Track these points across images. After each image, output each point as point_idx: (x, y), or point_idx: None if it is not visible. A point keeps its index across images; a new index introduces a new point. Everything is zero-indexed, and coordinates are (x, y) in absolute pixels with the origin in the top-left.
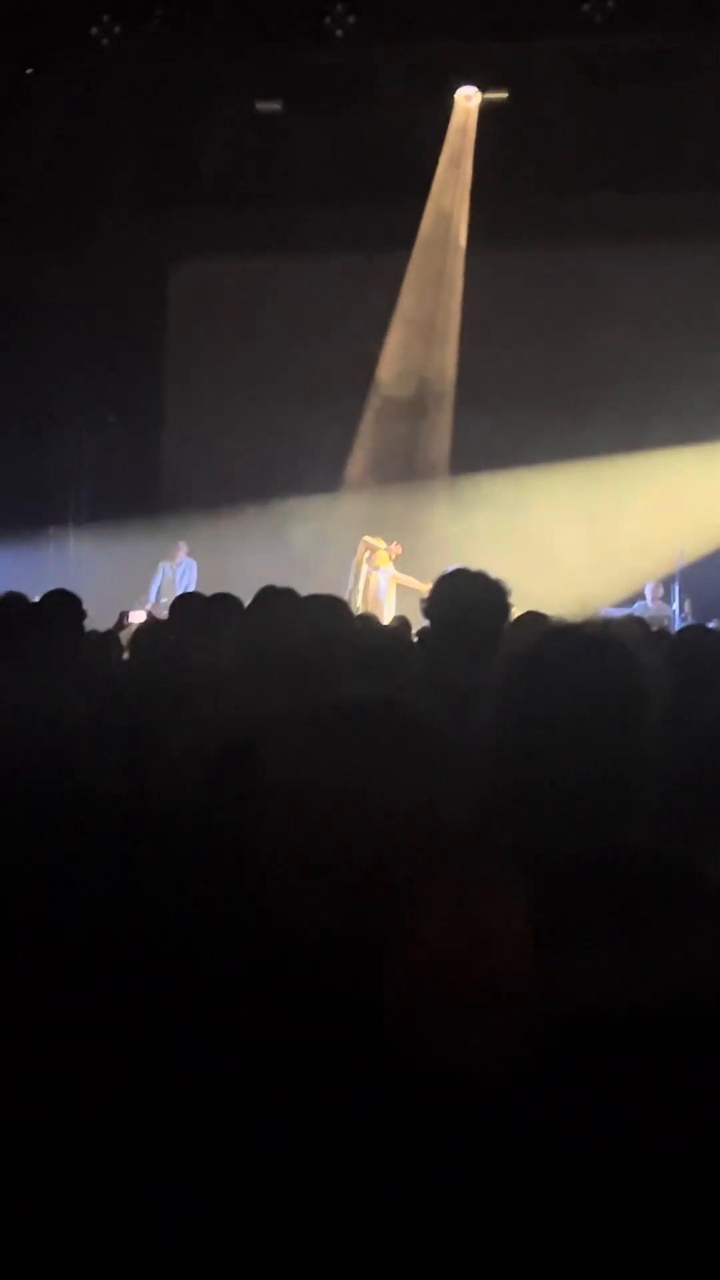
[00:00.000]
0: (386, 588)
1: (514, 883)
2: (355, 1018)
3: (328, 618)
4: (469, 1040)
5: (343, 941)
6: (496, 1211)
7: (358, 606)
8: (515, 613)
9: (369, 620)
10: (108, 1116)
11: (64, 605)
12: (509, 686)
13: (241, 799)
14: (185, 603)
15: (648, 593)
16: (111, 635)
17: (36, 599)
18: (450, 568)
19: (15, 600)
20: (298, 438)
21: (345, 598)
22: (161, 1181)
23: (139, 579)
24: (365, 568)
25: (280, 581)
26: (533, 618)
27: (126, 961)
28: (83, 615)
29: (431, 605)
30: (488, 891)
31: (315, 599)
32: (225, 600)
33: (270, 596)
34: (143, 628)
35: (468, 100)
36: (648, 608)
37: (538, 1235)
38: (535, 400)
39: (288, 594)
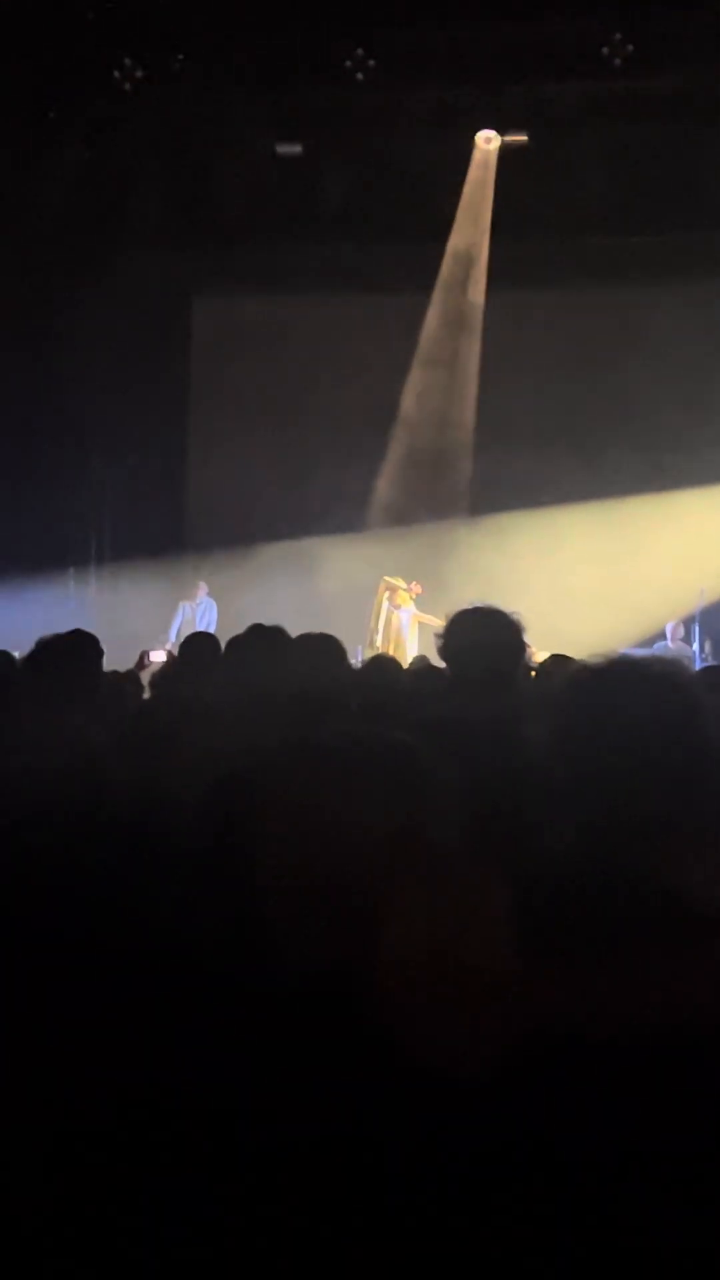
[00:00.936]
0: (408, 626)
1: (499, 896)
2: (345, 1032)
3: (319, 656)
4: (453, 1050)
5: (330, 962)
6: (490, 1212)
7: (379, 646)
8: (533, 651)
9: (383, 661)
10: (107, 1118)
11: (83, 645)
12: (568, 717)
13: (233, 830)
14: (192, 642)
15: (668, 632)
16: (131, 675)
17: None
18: (465, 605)
19: (43, 644)
20: (319, 477)
21: (367, 637)
22: (161, 1182)
23: (160, 619)
24: (386, 606)
25: (301, 621)
26: (558, 661)
27: (135, 976)
28: (100, 654)
29: (446, 644)
30: (472, 908)
31: (308, 638)
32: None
33: (255, 636)
34: (160, 668)
35: (487, 143)
36: (668, 648)
37: (531, 1237)
38: (556, 440)
39: (274, 633)
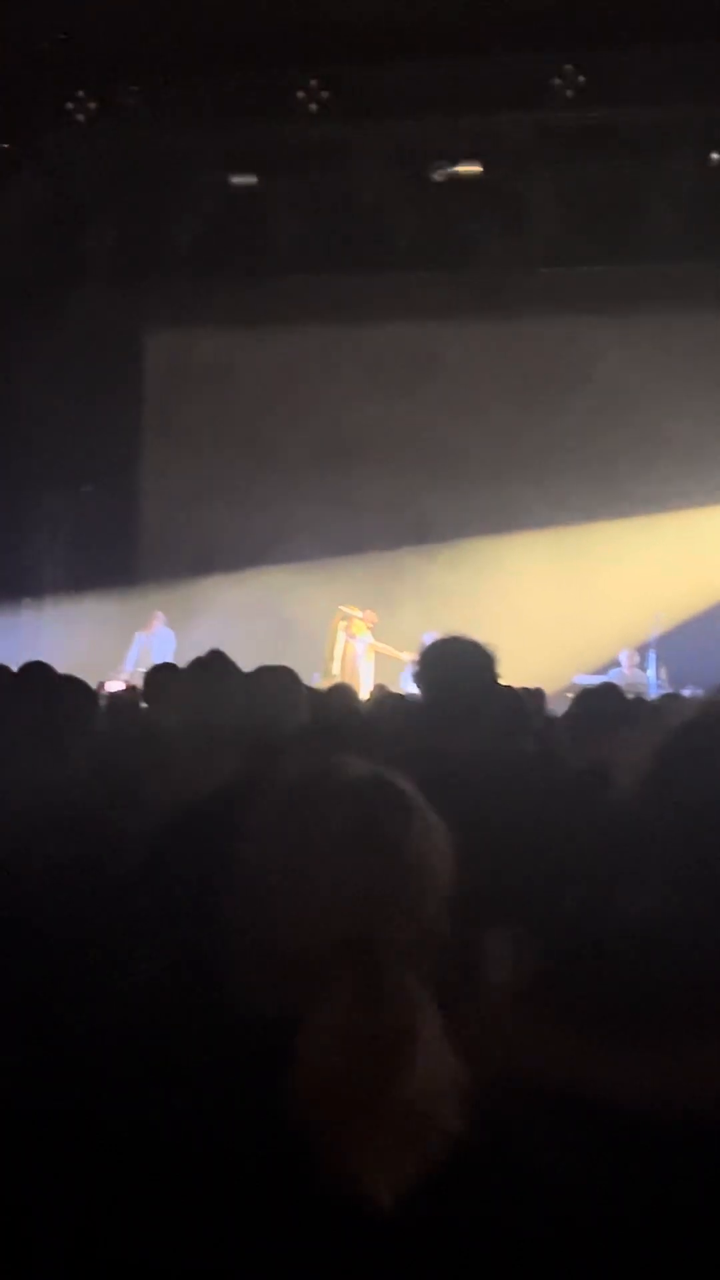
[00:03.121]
0: (364, 655)
1: (435, 1019)
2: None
3: (276, 689)
4: (356, 1155)
5: (276, 1016)
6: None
7: (334, 675)
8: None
9: (342, 691)
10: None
11: (39, 677)
12: (670, 769)
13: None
14: (156, 674)
15: (623, 660)
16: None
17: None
18: (429, 636)
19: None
20: (273, 508)
21: (323, 666)
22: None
23: (115, 649)
24: (342, 636)
25: (257, 651)
26: (509, 691)
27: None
28: (58, 687)
29: (421, 673)
30: (403, 1029)
31: (265, 670)
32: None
33: (196, 669)
34: (115, 698)
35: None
36: (623, 675)
37: None
38: (509, 469)
39: (213, 662)
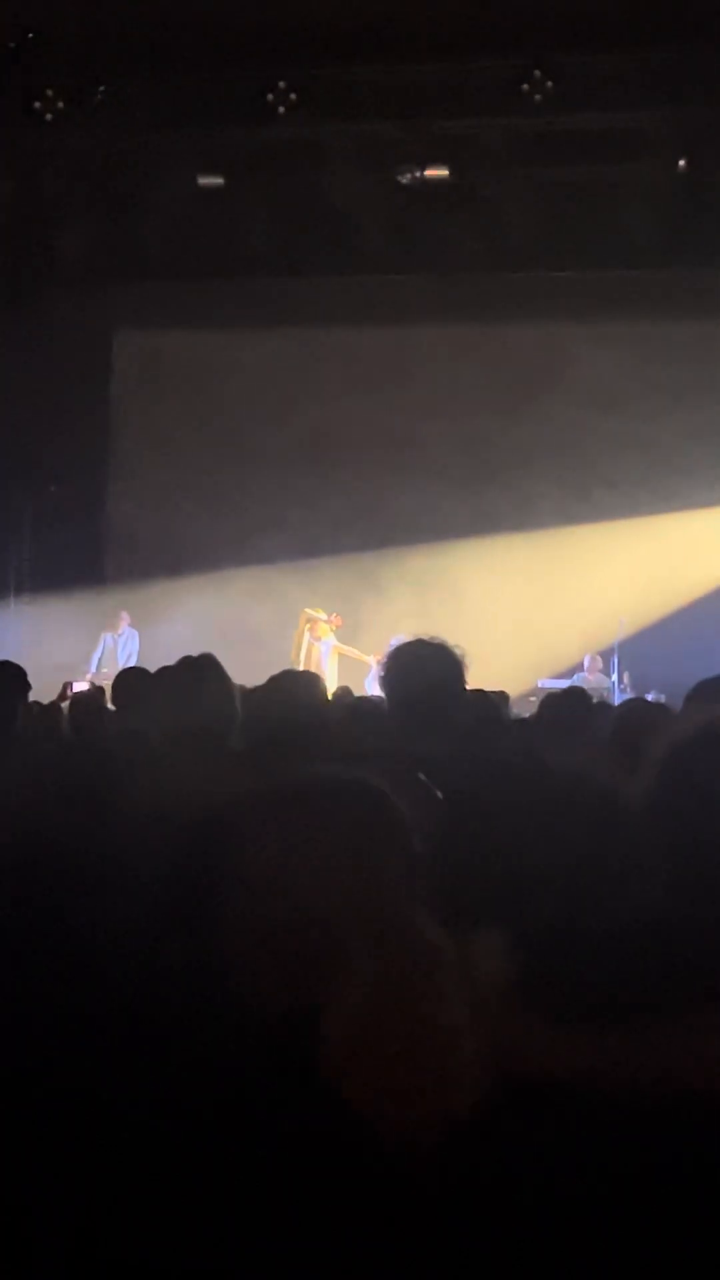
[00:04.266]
0: (328, 658)
1: (458, 956)
2: (300, 1077)
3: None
4: (401, 1108)
5: (289, 1009)
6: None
7: None
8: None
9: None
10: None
11: (7, 677)
12: (675, 774)
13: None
14: (123, 680)
15: (586, 664)
16: (54, 706)
17: None
18: (396, 639)
19: None
20: (240, 509)
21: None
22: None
23: (81, 649)
24: (307, 638)
25: (221, 652)
26: (479, 695)
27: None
28: (27, 687)
29: (388, 675)
30: (428, 966)
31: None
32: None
33: (185, 669)
34: (79, 699)
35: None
36: (586, 679)
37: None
38: (477, 473)
39: (204, 664)
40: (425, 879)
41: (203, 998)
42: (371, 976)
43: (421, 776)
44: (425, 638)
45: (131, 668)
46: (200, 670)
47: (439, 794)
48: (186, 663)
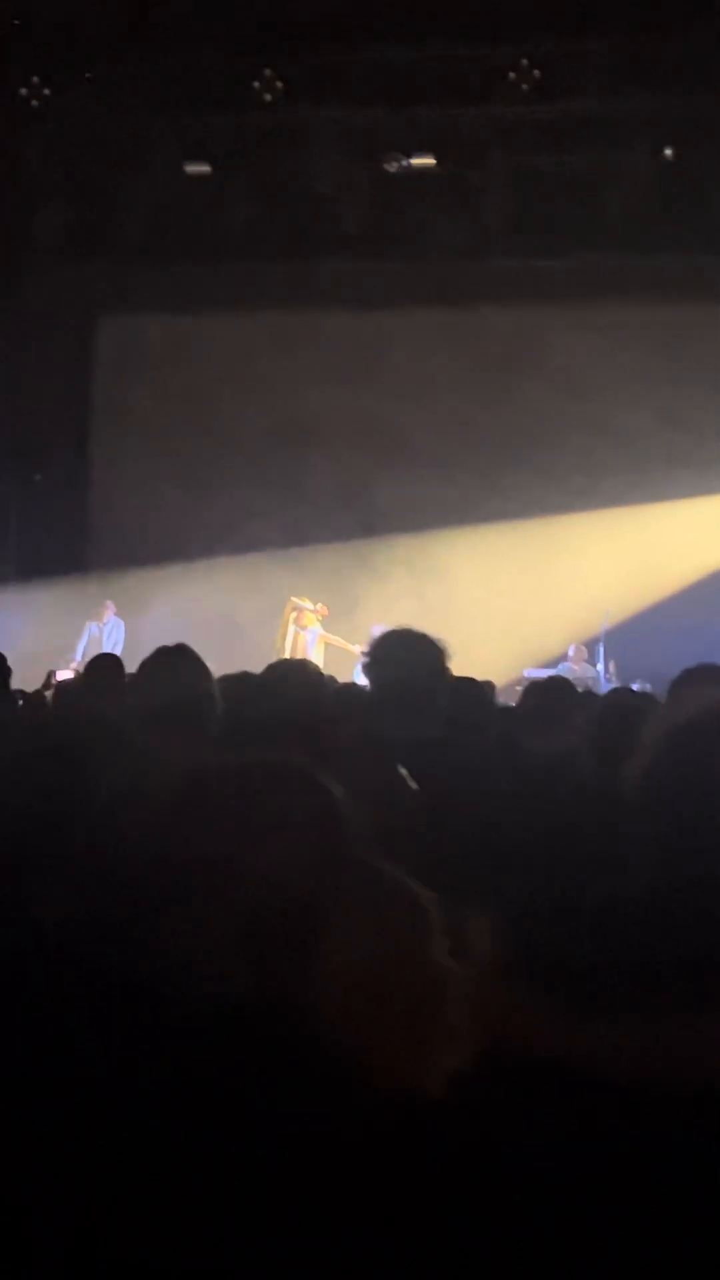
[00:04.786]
0: (314, 647)
1: (426, 908)
2: (282, 1055)
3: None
4: (403, 1063)
5: (265, 987)
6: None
7: None
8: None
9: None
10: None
11: None
12: (671, 759)
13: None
14: (96, 664)
15: (570, 654)
16: (38, 695)
17: None
18: (378, 628)
19: None
20: (224, 497)
21: (274, 658)
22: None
23: (66, 638)
24: (293, 627)
25: (207, 641)
26: (469, 683)
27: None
28: (8, 674)
29: (371, 665)
30: (400, 922)
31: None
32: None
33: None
34: (64, 687)
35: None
36: (571, 669)
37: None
38: (461, 462)
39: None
40: (368, 856)
41: (177, 982)
42: (350, 946)
43: (402, 770)
44: (407, 627)
45: (103, 654)
46: (173, 658)
47: (412, 783)
48: (160, 651)
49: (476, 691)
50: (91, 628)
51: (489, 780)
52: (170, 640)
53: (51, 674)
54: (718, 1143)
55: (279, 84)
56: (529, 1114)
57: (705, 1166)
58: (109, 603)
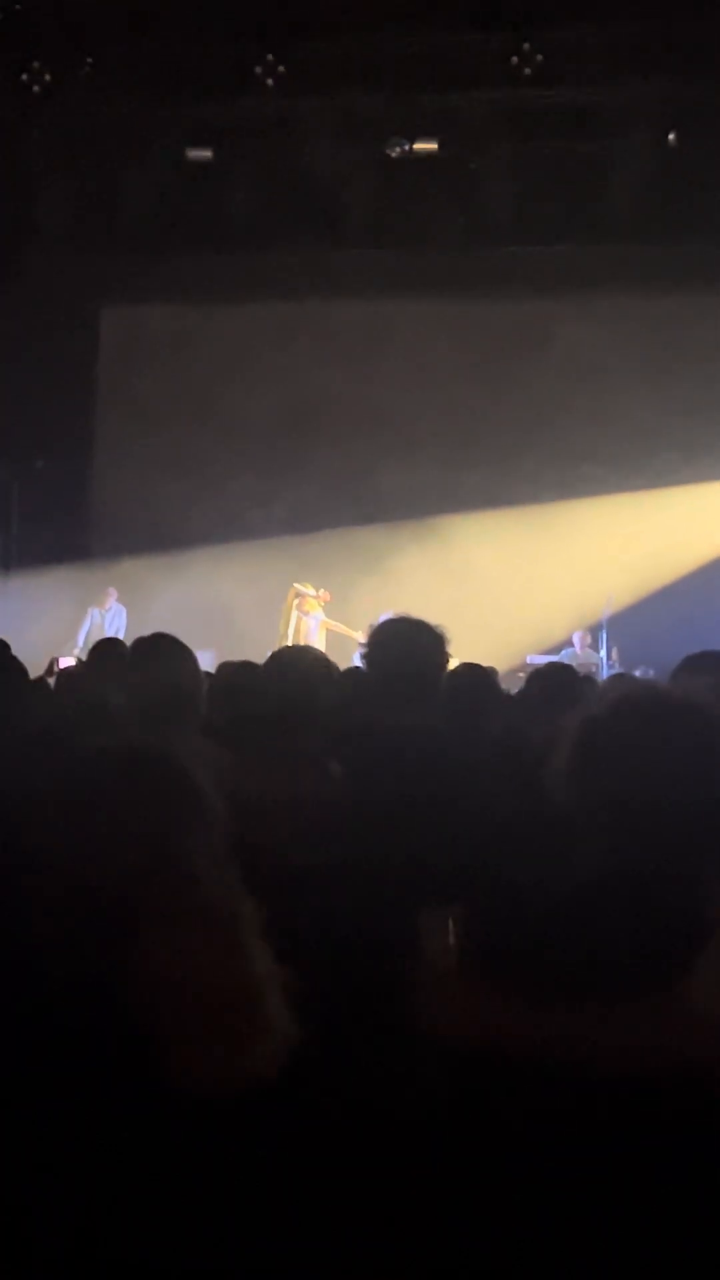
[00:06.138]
0: (317, 633)
1: (249, 915)
2: (106, 1041)
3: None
4: (205, 1065)
5: (90, 974)
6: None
7: None
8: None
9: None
10: None
11: None
12: (589, 745)
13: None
14: (99, 649)
15: (575, 640)
16: (41, 681)
17: None
18: (386, 615)
19: None
20: (228, 483)
21: (276, 644)
22: None
23: (69, 625)
24: (295, 613)
25: (211, 628)
26: (469, 668)
27: None
28: (13, 663)
29: (370, 652)
30: (220, 927)
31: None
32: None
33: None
34: (66, 674)
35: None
36: (575, 655)
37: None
38: (463, 448)
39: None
40: (229, 843)
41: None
42: (168, 937)
43: (335, 764)
44: (406, 615)
45: (108, 638)
46: (156, 648)
47: (335, 768)
48: (140, 641)
49: (479, 677)
50: (93, 614)
51: (477, 769)
52: (172, 627)
53: (54, 660)
54: (679, 1119)
55: (281, 69)
56: (495, 1101)
57: (665, 1143)
58: (111, 589)
